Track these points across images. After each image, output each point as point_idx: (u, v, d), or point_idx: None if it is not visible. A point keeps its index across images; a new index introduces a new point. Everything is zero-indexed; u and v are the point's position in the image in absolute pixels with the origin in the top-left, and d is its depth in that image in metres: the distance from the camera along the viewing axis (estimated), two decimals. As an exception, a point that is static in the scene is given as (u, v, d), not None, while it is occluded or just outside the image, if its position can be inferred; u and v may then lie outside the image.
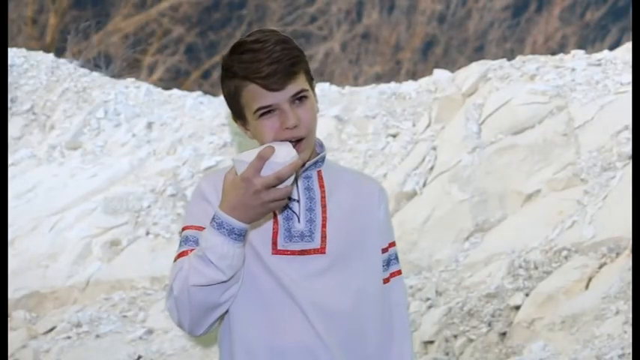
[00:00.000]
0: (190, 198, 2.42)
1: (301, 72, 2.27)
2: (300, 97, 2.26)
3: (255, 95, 2.24)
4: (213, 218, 2.16)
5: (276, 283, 2.25)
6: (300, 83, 2.27)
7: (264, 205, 2.12)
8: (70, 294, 7.52)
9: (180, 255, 2.29)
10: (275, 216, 2.29)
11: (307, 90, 2.28)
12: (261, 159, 2.08)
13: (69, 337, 6.90)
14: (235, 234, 2.15)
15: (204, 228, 2.23)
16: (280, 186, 2.10)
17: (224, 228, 2.15)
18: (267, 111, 2.25)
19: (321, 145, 2.38)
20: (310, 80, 2.32)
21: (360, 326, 2.31)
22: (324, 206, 2.32)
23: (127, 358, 6.51)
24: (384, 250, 2.43)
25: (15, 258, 7.80)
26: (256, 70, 2.20)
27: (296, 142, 2.25)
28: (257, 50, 2.21)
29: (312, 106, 2.29)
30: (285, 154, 2.10)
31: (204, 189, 2.32)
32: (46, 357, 6.71)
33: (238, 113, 2.32)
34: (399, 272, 2.47)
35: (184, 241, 2.31)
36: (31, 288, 7.57)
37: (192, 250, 2.26)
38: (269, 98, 2.23)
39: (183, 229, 2.34)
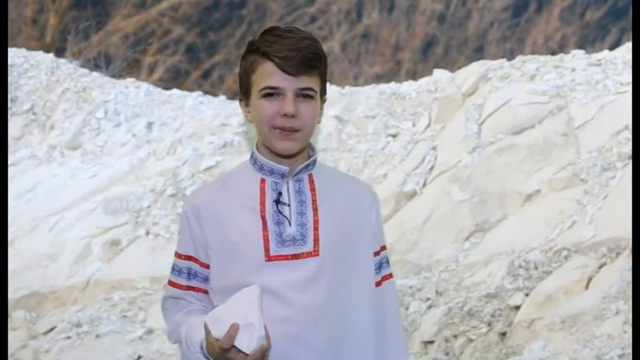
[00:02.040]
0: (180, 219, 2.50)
1: (317, 73, 2.30)
2: (306, 95, 2.30)
3: (267, 74, 2.28)
4: (203, 353, 2.27)
5: (268, 290, 2.27)
6: (312, 82, 2.29)
7: None
8: (70, 294, 7.52)
9: (172, 284, 2.41)
10: (264, 222, 2.31)
11: (316, 92, 2.33)
12: (224, 351, 2.19)
13: (69, 337, 6.90)
14: None
15: (190, 256, 2.36)
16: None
17: None
18: (271, 93, 2.29)
19: (313, 149, 2.40)
20: (322, 90, 2.36)
21: (352, 329, 2.33)
22: (315, 209, 2.33)
23: (127, 358, 6.52)
24: (376, 254, 2.43)
25: (15, 258, 7.80)
26: (278, 49, 2.26)
27: (290, 132, 2.29)
28: (285, 37, 2.27)
29: (315, 108, 2.32)
30: (247, 339, 2.20)
31: (188, 215, 2.37)
32: (46, 357, 6.71)
33: (245, 90, 2.34)
34: (391, 275, 2.48)
35: (174, 269, 2.40)
36: (31, 288, 7.57)
37: (180, 285, 2.39)
38: (279, 80, 2.27)
39: (175, 253, 2.43)
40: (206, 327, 2.24)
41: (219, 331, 2.21)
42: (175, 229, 7.74)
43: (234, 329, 2.19)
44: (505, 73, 8.33)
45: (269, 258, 2.29)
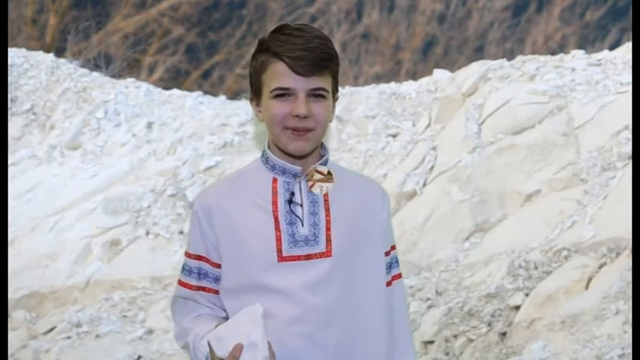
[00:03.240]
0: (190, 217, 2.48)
1: (329, 72, 2.29)
2: (318, 94, 2.27)
3: (278, 74, 2.26)
4: None
5: (280, 290, 2.26)
6: (323, 81, 2.28)
7: None
8: (70, 294, 7.52)
9: (182, 284, 2.40)
10: (277, 222, 2.30)
11: (328, 92, 2.29)
12: None
13: (69, 337, 6.90)
14: None
15: (201, 256, 2.35)
16: None
17: None
18: (282, 93, 2.27)
19: (325, 148, 2.38)
20: (334, 89, 2.35)
21: (364, 329, 2.32)
22: (327, 209, 2.31)
23: (127, 358, 6.52)
24: (387, 254, 2.41)
25: (15, 258, 7.80)
26: (289, 50, 2.24)
27: (303, 133, 2.28)
28: (296, 36, 2.25)
29: (327, 107, 2.31)
30: (251, 359, 2.20)
31: (199, 214, 2.36)
32: (46, 357, 6.71)
33: (256, 90, 2.33)
34: (400, 275, 2.47)
35: (184, 268, 2.39)
36: (31, 288, 7.57)
37: (190, 285, 2.37)
38: (290, 81, 2.26)
39: (185, 253, 2.42)
40: (209, 345, 2.24)
41: (222, 351, 2.21)
42: (175, 229, 7.75)
43: (237, 350, 2.19)
44: (505, 73, 8.33)
45: (281, 259, 2.28)
